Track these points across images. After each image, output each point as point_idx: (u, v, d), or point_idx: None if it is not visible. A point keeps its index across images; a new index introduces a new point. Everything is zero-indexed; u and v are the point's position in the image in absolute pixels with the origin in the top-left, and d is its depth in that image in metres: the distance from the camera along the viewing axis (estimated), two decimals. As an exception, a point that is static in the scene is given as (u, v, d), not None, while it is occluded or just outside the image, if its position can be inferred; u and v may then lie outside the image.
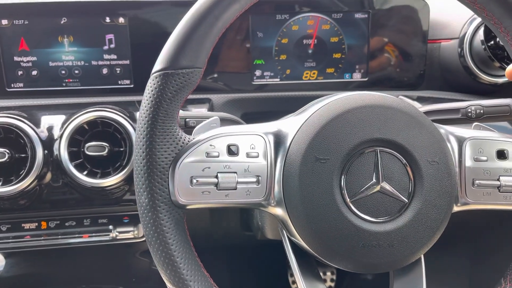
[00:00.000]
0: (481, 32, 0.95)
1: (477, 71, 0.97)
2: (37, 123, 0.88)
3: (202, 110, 0.94)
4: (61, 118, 0.89)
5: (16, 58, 0.93)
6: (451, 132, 0.63)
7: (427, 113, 0.80)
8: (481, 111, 0.75)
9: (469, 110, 0.76)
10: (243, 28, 0.98)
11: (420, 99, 1.00)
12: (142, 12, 0.96)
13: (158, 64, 0.57)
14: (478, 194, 0.61)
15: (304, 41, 1.00)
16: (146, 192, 0.55)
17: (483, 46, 0.94)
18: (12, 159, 0.83)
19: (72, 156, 0.85)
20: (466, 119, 0.76)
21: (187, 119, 0.73)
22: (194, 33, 0.55)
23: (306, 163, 0.57)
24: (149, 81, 0.57)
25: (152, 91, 0.56)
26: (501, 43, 0.81)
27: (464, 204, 0.62)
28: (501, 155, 0.62)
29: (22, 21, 0.92)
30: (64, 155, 0.84)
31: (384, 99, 0.60)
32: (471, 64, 0.97)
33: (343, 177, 0.57)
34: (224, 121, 0.76)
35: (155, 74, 0.57)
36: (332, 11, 0.99)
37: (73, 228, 0.94)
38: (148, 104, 0.56)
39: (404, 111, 0.59)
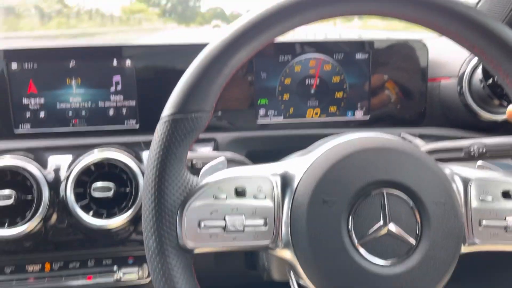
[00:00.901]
0: (479, 70, 0.97)
1: (477, 109, 0.98)
2: (43, 165, 0.88)
3: (207, 150, 0.95)
4: (68, 159, 0.90)
5: (24, 101, 0.95)
6: (456, 172, 0.64)
7: (431, 152, 0.81)
8: (484, 150, 0.76)
9: (472, 149, 0.77)
10: (247, 69, 1.00)
11: (422, 136, 1.00)
12: (148, 55, 0.98)
13: (168, 109, 0.58)
14: (486, 235, 0.61)
15: (307, 81, 1.03)
16: (154, 236, 0.55)
17: (482, 85, 0.96)
18: (18, 200, 0.84)
19: (78, 198, 0.85)
20: (469, 157, 0.77)
21: (193, 161, 0.74)
22: (202, 79, 0.57)
23: (313, 205, 0.57)
24: (158, 125, 0.58)
25: (161, 135, 0.57)
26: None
27: (472, 245, 0.62)
28: (507, 195, 0.62)
29: (32, 65, 0.94)
30: (70, 196, 0.84)
31: (389, 141, 0.61)
32: (471, 102, 0.99)
33: (350, 219, 0.57)
34: (231, 162, 0.76)
35: (164, 119, 0.58)
36: (333, 52, 1.02)
37: (77, 269, 0.93)
38: (157, 148, 0.57)
39: (408, 152, 0.60)
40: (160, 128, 0.58)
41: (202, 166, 0.65)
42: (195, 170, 0.70)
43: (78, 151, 0.91)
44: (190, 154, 0.75)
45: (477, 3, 1.15)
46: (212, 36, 0.62)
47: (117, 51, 0.97)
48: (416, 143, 0.97)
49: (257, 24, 0.56)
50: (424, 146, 0.83)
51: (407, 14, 0.57)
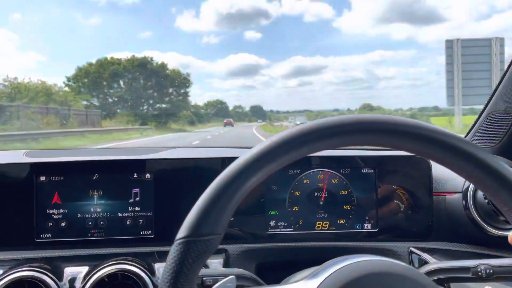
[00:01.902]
0: None
1: (483, 224, 1.00)
2: (60, 276, 0.91)
3: (218, 265, 0.97)
4: (83, 270, 0.93)
5: (48, 211, 1.01)
6: None
7: (438, 271, 0.82)
8: (491, 271, 0.77)
9: (479, 269, 0.77)
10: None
11: (430, 251, 1.02)
12: (167, 168, 1.05)
13: (182, 232, 0.62)
14: None
15: (315, 194, 1.07)
16: None
17: (486, 201, 0.98)
18: None
19: (90, 309, 0.86)
20: (476, 278, 0.77)
21: (204, 278, 0.76)
22: (215, 204, 0.61)
23: None
24: (173, 247, 0.62)
25: (175, 257, 0.61)
26: None
27: None
28: None
29: (59, 177, 1.02)
30: None
31: (394, 267, 0.63)
32: (477, 217, 1.01)
33: None
34: (240, 279, 0.78)
35: (178, 241, 0.61)
36: (340, 166, 1.07)
37: None
38: (170, 269, 0.60)
39: (413, 279, 0.62)
40: (174, 250, 0.61)
41: (212, 284, 0.67)
42: (205, 287, 0.72)
43: (94, 261, 0.94)
44: (201, 272, 0.77)
45: (466, 135, 1.24)
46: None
47: (138, 165, 1.04)
48: (424, 258, 0.98)
49: (269, 152, 0.62)
50: (432, 265, 0.84)
51: (404, 145, 0.62)
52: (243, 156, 0.62)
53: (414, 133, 0.60)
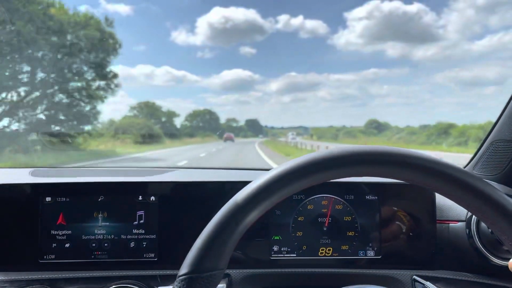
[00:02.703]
0: None
1: (486, 253, 1.00)
2: None
3: (221, 290, 0.97)
4: None
5: (53, 232, 1.01)
6: None
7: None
8: None
9: None
10: (262, 207, 1.06)
11: (434, 279, 1.01)
12: (171, 191, 1.06)
13: (184, 268, 0.62)
14: None
15: (319, 219, 1.07)
16: None
17: (490, 230, 0.99)
18: None
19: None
20: None
21: None
22: (216, 240, 0.61)
23: None
24: (175, 283, 0.62)
25: None
26: None
27: None
28: None
29: (64, 198, 1.02)
30: None
31: None
32: (480, 246, 1.01)
33: None
34: None
35: (181, 278, 0.61)
36: (344, 192, 1.08)
37: None
38: None
39: None
40: (177, 287, 0.62)
41: None
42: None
43: (97, 284, 0.94)
44: None
45: (469, 162, 1.25)
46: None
47: (143, 187, 1.05)
48: (428, 287, 0.98)
49: (271, 186, 0.62)
50: None
51: (404, 176, 0.63)
52: (247, 188, 0.63)
53: (414, 164, 0.60)
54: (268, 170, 0.61)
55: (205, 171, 1.48)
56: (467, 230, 1.04)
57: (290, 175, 0.61)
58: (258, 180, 0.62)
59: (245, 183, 0.58)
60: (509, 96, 1.14)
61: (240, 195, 0.62)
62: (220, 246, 0.61)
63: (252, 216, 0.62)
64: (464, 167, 1.31)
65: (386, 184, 1.09)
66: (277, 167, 0.62)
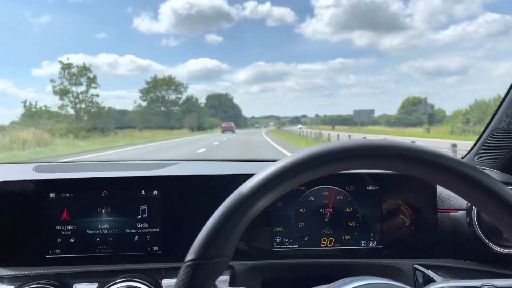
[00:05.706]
0: None
1: (487, 241, 1.01)
2: None
3: (224, 284, 0.98)
4: (93, 286, 0.94)
5: (57, 227, 1.02)
6: None
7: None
8: None
9: None
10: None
11: (435, 268, 1.02)
12: (174, 185, 1.07)
13: (190, 255, 0.63)
14: None
15: (321, 210, 1.08)
16: None
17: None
18: None
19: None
20: None
21: None
22: (223, 227, 0.62)
23: None
24: (181, 269, 0.63)
25: (183, 279, 0.62)
26: None
27: None
28: None
29: (68, 194, 1.03)
30: None
31: None
32: (481, 234, 1.01)
33: None
34: None
35: (187, 263, 0.63)
36: (345, 183, 1.09)
37: None
38: None
39: None
40: (183, 273, 0.63)
41: None
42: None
43: (102, 278, 0.96)
44: None
45: (469, 151, 1.25)
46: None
47: (146, 182, 1.06)
48: (429, 275, 0.99)
49: (279, 175, 0.63)
50: (435, 284, 0.85)
51: (407, 169, 0.63)
52: (253, 178, 0.64)
53: (417, 157, 0.61)
54: (274, 161, 0.62)
55: (208, 163, 1.49)
56: (468, 219, 1.05)
57: (303, 163, 0.61)
58: (269, 168, 0.62)
59: (249, 175, 0.58)
60: (504, 88, 1.14)
61: (246, 186, 0.63)
62: (227, 234, 0.62)
63: (258, 206, 0.63)
64: (465, 156, 1.31)
65: (387, 175, 1.10)
66: (284, 158, 0.62)
